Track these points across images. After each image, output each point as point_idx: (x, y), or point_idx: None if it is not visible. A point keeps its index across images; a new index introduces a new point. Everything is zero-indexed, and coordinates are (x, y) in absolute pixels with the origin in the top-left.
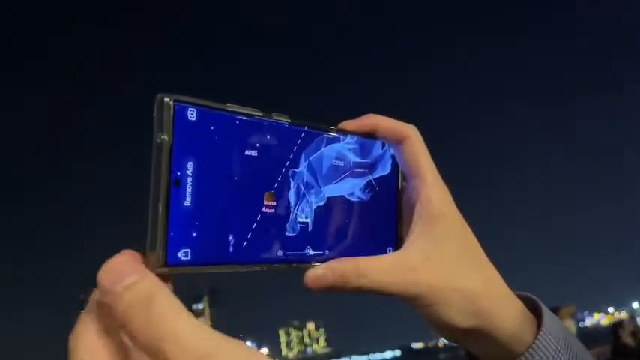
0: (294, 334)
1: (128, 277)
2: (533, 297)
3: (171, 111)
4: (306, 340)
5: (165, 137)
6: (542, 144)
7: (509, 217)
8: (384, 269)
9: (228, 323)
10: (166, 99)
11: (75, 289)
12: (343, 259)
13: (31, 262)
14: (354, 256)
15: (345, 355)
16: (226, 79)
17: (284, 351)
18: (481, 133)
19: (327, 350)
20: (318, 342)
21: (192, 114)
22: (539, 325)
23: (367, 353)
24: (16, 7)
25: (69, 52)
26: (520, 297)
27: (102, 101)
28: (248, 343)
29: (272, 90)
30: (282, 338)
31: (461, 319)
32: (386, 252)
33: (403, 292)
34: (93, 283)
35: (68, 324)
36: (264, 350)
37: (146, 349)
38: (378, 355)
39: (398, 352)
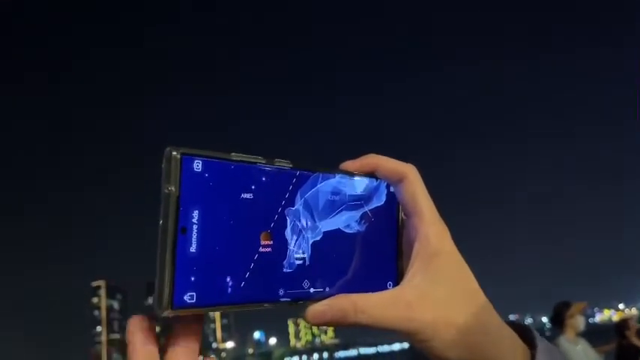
0: (302, 324)
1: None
2: (527, 326)
3: (179, 164)
4: (315, 331)
5: (173, 188)
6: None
7: (526, 218)
8: (381, 306)
9: (237, 314)
10: (174, 152)
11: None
12: (342, 295)
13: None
14: (353, 289)
15: (353, 347)
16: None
17: (292, 341)
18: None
19: (335, 341)
20: (326, 333)
21: (197, 165)
22: (532, 355)
23: (375, 345)
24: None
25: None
26: (514, 326)
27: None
28: (257, 333)
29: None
30: (291, 329)
31: (456, 353)
32: (386, 286)
33: (399, 328)
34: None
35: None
36: (273, 340)
37: None
38: (386, 347)
39: (406, 345)
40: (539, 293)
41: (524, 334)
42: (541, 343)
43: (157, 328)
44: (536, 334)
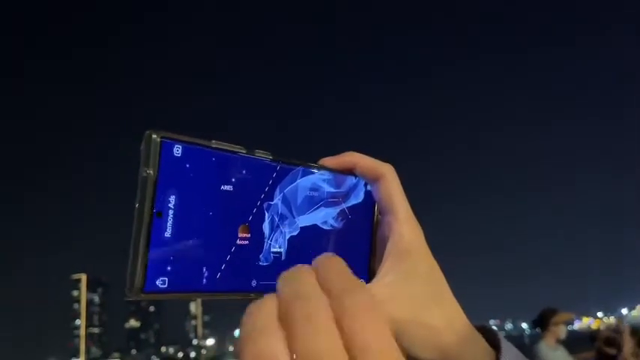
0: None
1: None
2: (493, 329)
3: (158, 147)
4: None
5: (151, 171)
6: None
7: (507, 224)
8: None
9: (223, 308)
10: (154, 135)
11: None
12: None
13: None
14: None
15: None
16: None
17: None
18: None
19: None
20: None
21: (177, 150)
22: (497, 358)
23: None
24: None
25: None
26: (480, 329)
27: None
28: (237, 331)
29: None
30: None
31: (424, 353)
32: None
33: None
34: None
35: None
36: None
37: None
38: None
39: None
40: (520, 299)
41: (491, 337)
42: (506, 347)
43: None
44: (502, 337)
